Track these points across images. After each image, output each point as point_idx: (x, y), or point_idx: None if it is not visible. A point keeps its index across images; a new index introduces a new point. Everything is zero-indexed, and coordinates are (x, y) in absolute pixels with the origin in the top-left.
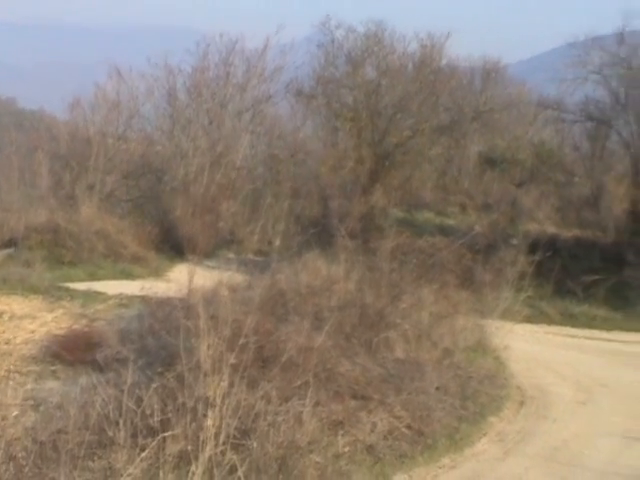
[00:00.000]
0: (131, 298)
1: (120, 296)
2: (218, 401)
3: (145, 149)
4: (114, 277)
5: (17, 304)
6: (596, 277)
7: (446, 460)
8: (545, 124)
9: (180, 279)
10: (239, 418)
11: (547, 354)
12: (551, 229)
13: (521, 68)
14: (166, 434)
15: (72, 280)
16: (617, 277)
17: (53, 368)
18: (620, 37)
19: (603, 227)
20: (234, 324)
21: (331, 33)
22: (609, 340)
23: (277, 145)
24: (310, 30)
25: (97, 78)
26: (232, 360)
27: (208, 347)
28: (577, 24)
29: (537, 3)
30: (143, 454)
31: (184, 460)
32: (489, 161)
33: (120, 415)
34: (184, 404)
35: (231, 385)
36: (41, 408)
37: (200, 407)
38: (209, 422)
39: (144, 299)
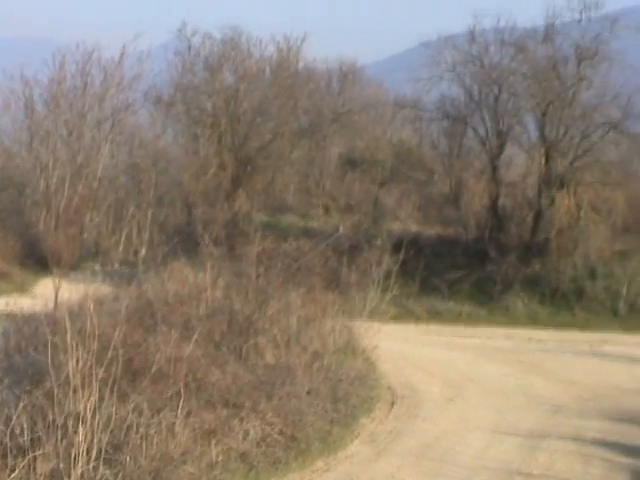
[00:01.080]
0: None
1: None
2: (89, 416)
3: (4, 163)
4: None
5: None
6: (459, 273)
7: (320, 464)
8: (403, 123)
9: (46, 294)
10: (111, 432)
11: (415, 352)
12: (414, 227)
13: (378, 69)
14: (36, 453)
15: None
16: (480, 273)
17: None
18: (471, 36)
19: (464, 224)
20: (102, 337)
21: (188, 40)
22: (474, 336)
23: (138, 154)
24: (167, 37)
25: None
26: (101, 374)
27: (77, 362)
28: (430, 24)
29: (391, 3)
30: (13, 474)
31: (56, 478)
32: (350, 162)
33: None
34: (54, 421)
35: (101, 399)
36: None
37: (70, 423)
38: (80, 438)
39: (9, 316)
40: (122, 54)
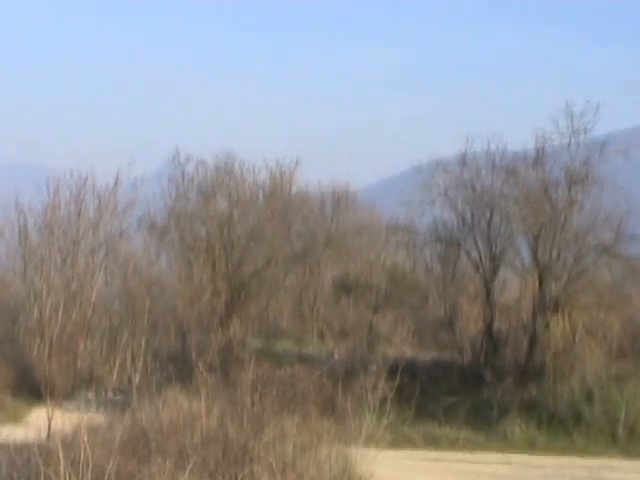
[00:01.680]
0: None
1: None
2: None
3: None
4: None
5: None
6: (456, 398)
7: None
8: (397, 247)
9: (39, 423)
10: None
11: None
12: (409, 352)
13: (371, 193)
14: None
15: None
16: (476, 398)
17: None
18: (462, 160)
19: (459, 348)
20: (96, 468)
21: (181, 166)
22: (472, 462)
23: (132, 280)
24: (160, 164)
25: None
26: None
27: None
28: (422, 148)
29: (383, 129)
30: None
31: None
32: (344, 287)
33: None
34: None
35: None
36: None
37: None
38: None
39: (1, 446)
40: (116, 181)
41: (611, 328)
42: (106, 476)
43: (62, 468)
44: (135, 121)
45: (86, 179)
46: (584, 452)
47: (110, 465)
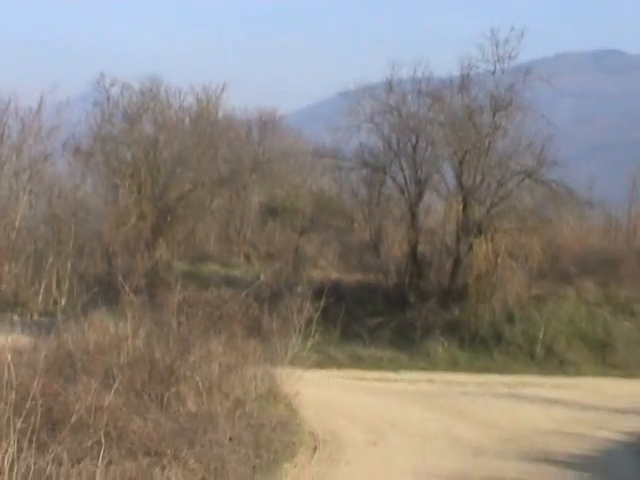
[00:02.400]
0: None
1: None
2: (6, 468)
3: None
4: None
5: None
6: (380, 320)
7: None
8: (323, 172)
9: None
10: None
11: (338, 398)
12: (334, 275)
13: (297, 118)
14: None
15: None
16: (401, 319)
17: None
18: (388, 86)
19: (384, 271)
20: (20, 388)
21: (106, 91)
22: (396, 380)
23: (57, 204)
24: (85, 88)
25: None
26: (20, 425)
27: None
28: (348, 74)
29: (308, 53)
30: None
31: None
32: (270, 211)
33: None
34: None
35: (20, 450)
36: None
37: None
38: None
39: None
40: (40, 104)
41: (532, 251)
42: (31, 395)
43: None
44: (58, 44)
45: (9, 102)
46: (504, 370)
47: (35, 385)
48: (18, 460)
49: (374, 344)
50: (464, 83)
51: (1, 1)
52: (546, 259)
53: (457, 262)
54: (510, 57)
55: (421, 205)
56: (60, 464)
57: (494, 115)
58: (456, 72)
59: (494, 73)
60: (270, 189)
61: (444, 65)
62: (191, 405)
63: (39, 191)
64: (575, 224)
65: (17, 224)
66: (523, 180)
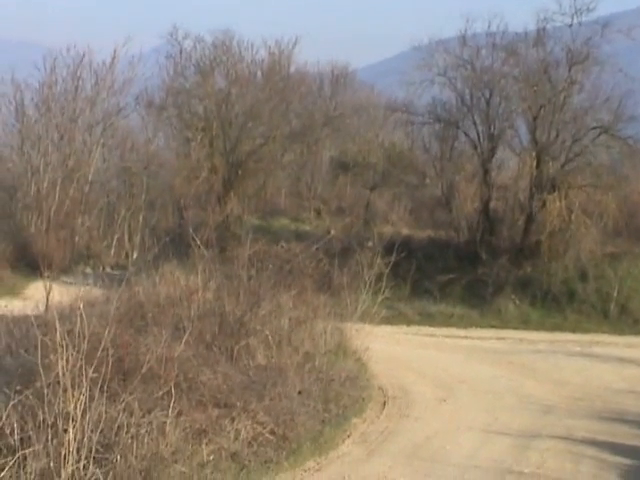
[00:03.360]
0: None
1: None
2: (79, 416)
3: None
4: None
5: None
6: (451, 276)
7: (311, 463)
8: (395, 127)
9: (37, 296)
10: (101, 432)
11: (407, 354)
12: (405, 231)
13: (370, 72)
14: (26, 451)
15: None
16: (472, 275)
17: None
18: (462, 40)
19: (456, 227)
20: (92, 337)
21: (179, 44)
22: (466, 337)
23: (130, 158)
24: (158, 41)
25: None
26: (91, 374)
27: (66, 362)
28: (422, 28)
29: (383, 7)
30: (2, 473)
31: (46, 477)
32: (342, 166)
33: None
34: (44, 420)
35: (91, 399)
36: None
37: (60, 423)
38: (70, 437)
39: (0, 318)
40: (113, 58)
41: (607, 208)
42: (102, 345)
43: (58, 337)
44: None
45: (83, 56)
46: (576, 329)
47: (106, 334)
48: (90, 409)
49: (444, 301)
50: (540, 36)
51: None
52: (621, 217)
53: (530, 219)
54: (588, 10)
55: (494, 161)
56: (131, 414)
57: (570, 69)
58: (532, 26)
59: (571, 26)
60: (342, 144)
61: (519, 19)
62: (260, 358)
63: (112, 144)
64: None
65: (90, 177)
66: (599, 136)
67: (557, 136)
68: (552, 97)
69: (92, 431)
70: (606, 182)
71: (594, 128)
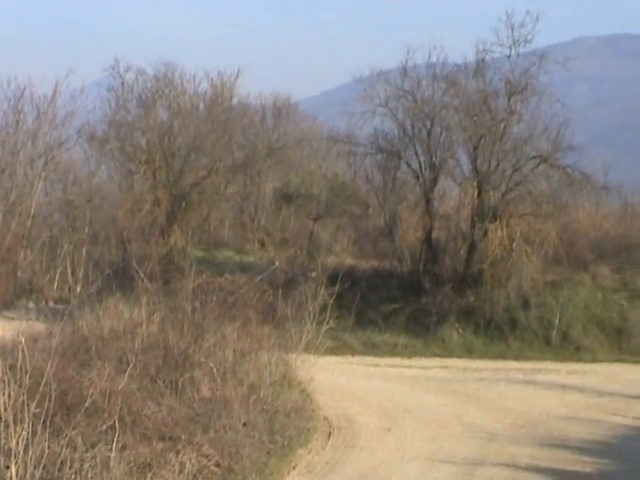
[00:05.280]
0: None
1: None
2: (21, 451)
3: None
4: None
5: None
6: (395, 306)
7: None
8: (338, 158)
9: None
10: (44, 468)
11: (352, 384)
12: (349, 261)
13: (312, 104)
14: None
15: None
16: (415, 305)
17: None
18: (403, 71)
19: (399, 257)
20: (34, 372)
21: (121, 76)
22: (410, 367)
23: (72, 191)
24: (100, 74)
25: None
26: (34, 409)
27: (8, 397)
28: (363, 59)
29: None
30: None
31: None
32: (285, 197)
33: None
34: None
35: (34, 434)
36: None
37: (2, 459)
38: (12, 473)
39: None
40: (55, 91)
41: (547, 236)
42: (45, 380)
43: (0, 373)
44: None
45: (24, 89)
46: (519, 356)
47: (49, 369)
48: (32, 444)
49: (388, 330)
50: (479, 67)
51: None
52: (561, 245)
53: (472, 248)
54: (526, 41)
55: (436, 190)
56: (74, 448)
57: (509, 99)
58: (471, 56)
59: (509, 57)
60: (284, 175)
61: (459, 49)
62: (205, 390)
63: (54, 178)
64: (591, 209)
65: (32, 211)
66: (538, 165)
67: (497, 165)
68: (492, 127)
69: (35, 467)
70: (546, 211)
71: (534, 157)
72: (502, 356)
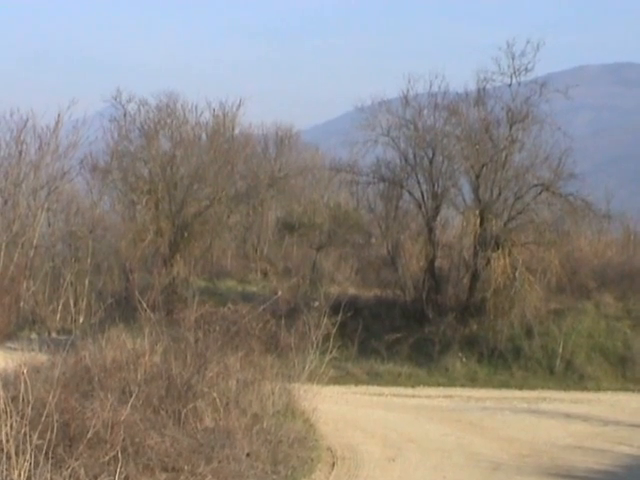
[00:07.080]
0: None
1: None
2: None
3: None
4: None
5: None
6: (398, 335)
7: None
8: (340, 187)
9: None
10: None
11: (355, 414)
12: (352, 290)
13: (314, 133)
14: None
15: None
16: (418, 334)
17: None
18: (405, 100)
19: (402, 286)
20: (37, 403)
21: (123, 107)
22: (414, 396)
23: (75, 222)
24: (102, 105)
25: None
26: (36, 440)
27: (10, 428)
28: (365, 88)
29: (325, 69)
30: None
31: None
32: (287, 226)
33: None
34: None
35: (36, 465)
36: None
37: None
38: None
39: None
40: (57, 122)
41: (550, 265)
42: (47, 411)
43: (2, 404)
44: (75, 63)
45: (27, 120)
46: (523, 385)
47: (51, 399)
48: (34, 476)
49: (392, 360)
50: (480, 96)
51: (17, 20)
52: (564, 273)
53: (475, 276)
54: (526, 70)
55: (438, 219)
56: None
57: (511, 128)
58: (472, 85)
59: (510, 86)
60: (287, 205)
61: (460, 79)
62: (208, 421)
63: (57, 209)
64: (593, 237)
65: (35, 242)
66: (540, 193)
67: (499, 194)
68: (494, 155)
69: None
70: (549, 239)
71: (535, 186)
72: (506, 385)
